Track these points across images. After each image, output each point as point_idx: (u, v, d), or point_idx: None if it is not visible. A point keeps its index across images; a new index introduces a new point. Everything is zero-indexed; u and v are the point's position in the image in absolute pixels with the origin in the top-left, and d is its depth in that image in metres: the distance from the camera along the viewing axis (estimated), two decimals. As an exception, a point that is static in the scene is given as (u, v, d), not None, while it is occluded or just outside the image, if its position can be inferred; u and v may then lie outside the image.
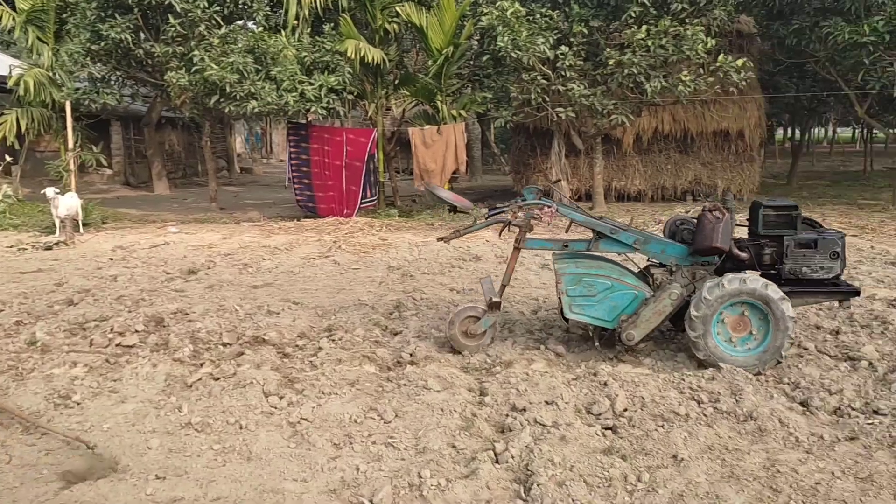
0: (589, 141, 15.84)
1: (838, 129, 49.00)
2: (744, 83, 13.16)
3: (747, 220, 5.80)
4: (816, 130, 56.10)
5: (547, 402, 4.66)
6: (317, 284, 8.83)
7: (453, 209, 6.10)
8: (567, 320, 5.69)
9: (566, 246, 5.89)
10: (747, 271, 5.46)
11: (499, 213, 5.86)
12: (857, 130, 41.76)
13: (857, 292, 5.66)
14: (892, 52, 13.87)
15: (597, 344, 5.88)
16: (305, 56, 13.55)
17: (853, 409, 4.60)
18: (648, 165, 17.87)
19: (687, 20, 13.20)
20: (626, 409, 4.63)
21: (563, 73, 13.50)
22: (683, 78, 12.75)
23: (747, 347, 5.33)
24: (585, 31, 13.61)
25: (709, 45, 12.57)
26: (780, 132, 35.23)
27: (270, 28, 13.96)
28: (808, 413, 4.59)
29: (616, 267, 5.77)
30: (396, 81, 15.81)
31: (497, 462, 3.98)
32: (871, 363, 5.41)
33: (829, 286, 5.59)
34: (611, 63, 13.05)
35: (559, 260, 5.82)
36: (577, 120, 14.67)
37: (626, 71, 12.89)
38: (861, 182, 23.54)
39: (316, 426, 4.43)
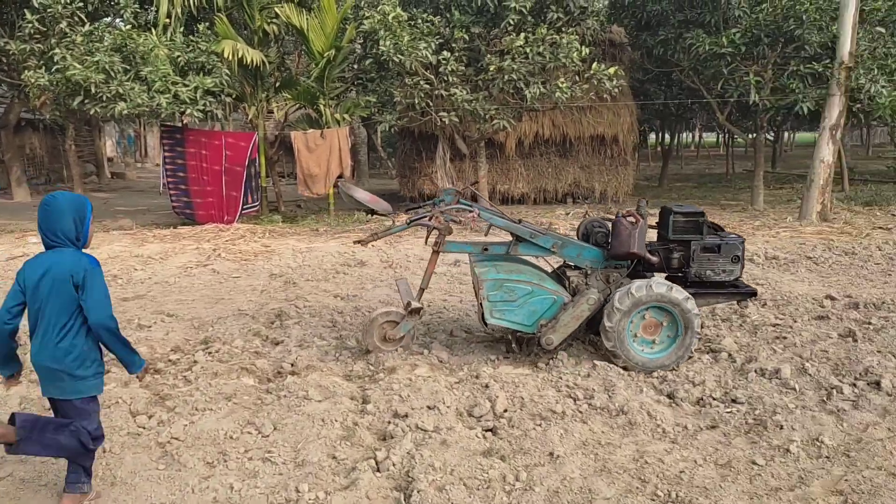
0: (473, 145, 16.09)
1: (704, 135, 52.40)
2: (616, 90, 13.81)
3: (656, 224, 5.95)
4: (685, 135, 59.76)
5: (429, 407, 4.67)
6: (193, 295, 8.46)
7: (371, 212, 6.01)
8: (486, 325, 5.61)
9: (486, 249, 5.86)
10: (655, 275, 5.70)
11: (420, 217, 5.71)
12: (720, 136, 44.73)
13: (754, 293, 5.96)
14: (749, 62, 14.97)
15: (514, 347, 5.95)
16: (179, 56, 12.99)
17: (714, 398, 4.89)
18: (531, 169, 18.37)
19: (562, 29, 13.68)
20: (506, 410, 4.72)
21: (445, 78, 13.65)
22: (560, 84, 13.19)
23: (661, 348, 5.51)
24: (466, 37, 13.84)
25: (583, 53, 13.07)
26: (651, 137, 37.20)
27: (140, 26, 13.28)
28: (674, 405, 4.84)
29: (535, 271, 5.81)
30: (278, 84, 15.45)
31: (378, 471, 3.94)
32: (730, 354, 5.78)
33: (730, 288, 5.87)
34: (492, 69, 13.32)
35: (479, 264, 5.76)
36: (460, 124, 14.86)
37: (506, 77, 13.20)
38: (724, 184, 25.22)
39: (188, 445, 4.23)
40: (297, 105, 15.84)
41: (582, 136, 18.08)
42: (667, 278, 5.78)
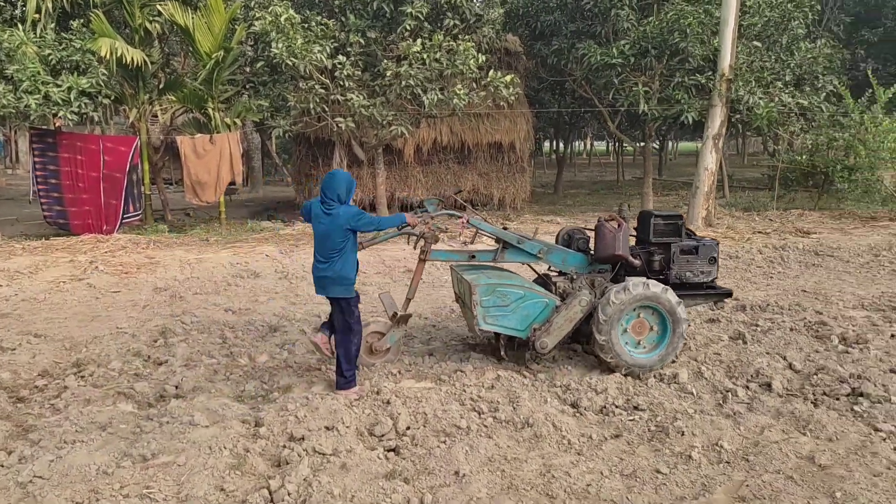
0: (370, 151, 15.82)
1: (595, 143, 54.34)
2: (512, 98, 13.90)
3: (635, 229, 6.00)
4: (577, 143, 61.78)
5: (327, 428, 4.40)
6: (66, 312, 7.76)
7: None
8: (480, 331, 5.46)
9: (473, 257, 5.87)
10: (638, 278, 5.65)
11: (408, 224, 5.51)
12: (609, 144, 46.48)
13: (730, 294, 6.10)
14: (637, 73, 15.49)
15: (503, 354, 5.80)
16: (50, 54, 12.02)
17: (617, 406, 4.87)
18: (430, 175, 18.29)
19: (459, 36, 13.67)
20: (408, 428, 4.51)
21: (341, 82, 13.32)
22: (458, 91, 13.16)
23: (649, 348, 5.51)
24: (362, 41, 13.57)
25: (480, 60, 13.09)
26: (546, 145, 38.16)
27: (5, 21, 12.20)
28: (578, 414, 4.78)
29: (521, 277, 5.81)
30: (162, 86, 14.61)
31: (272, 501, 3.63)
32: (630, 360, 5.82)
33: (706, 289, 5.97)
34: (388, 74, 13.11)
35: (466, 271, 5.73)
36: (357, 130, 14.56)
37: (403, 83, 13.02)
38: (615, 191, 26.11)
39: (53, 483, 3.76)
40: (184, 108, 15.03)
41: (480, 143, 18.18)
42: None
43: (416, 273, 5.76)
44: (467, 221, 5.61)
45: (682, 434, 4.34)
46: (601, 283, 5.63)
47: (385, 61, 13.35)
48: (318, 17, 13.38)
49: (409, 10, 13.10)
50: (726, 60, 13.72)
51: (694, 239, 5.96)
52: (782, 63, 15.26)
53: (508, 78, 13.52)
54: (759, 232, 13.75)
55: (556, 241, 6.10)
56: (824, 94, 15.95)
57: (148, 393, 5.22)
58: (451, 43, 13.09)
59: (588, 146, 54.24)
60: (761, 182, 25.62)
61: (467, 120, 17.50)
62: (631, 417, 4.67)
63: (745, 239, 12.91)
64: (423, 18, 13.34)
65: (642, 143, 20.38)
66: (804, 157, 17.07)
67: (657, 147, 34.56)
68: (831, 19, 24.14)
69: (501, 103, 14.44)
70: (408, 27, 13.26)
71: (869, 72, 18.99)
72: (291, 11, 12.56)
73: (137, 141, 13.65)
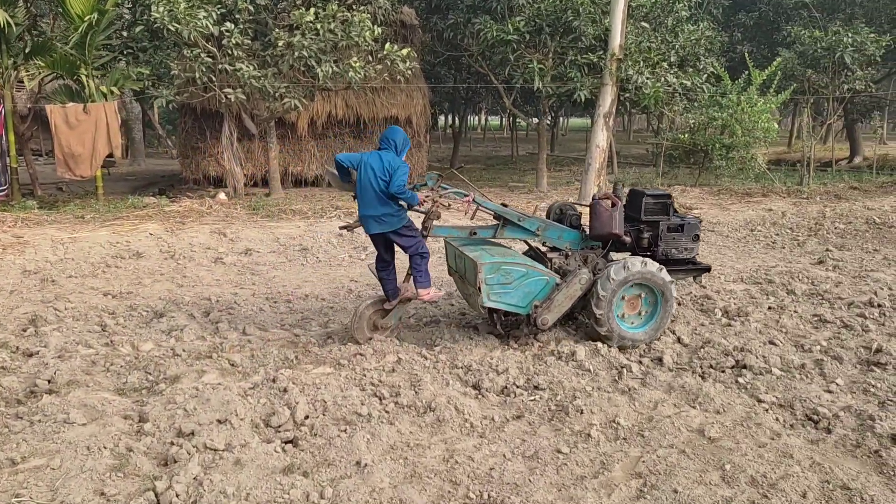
0: (262, 125, 15.20)
1: (489, 118, 54.87)
2: (409, 72, 13.68)
3: (625, 206, 6.08)
4: (473, 118, 62.20)
5: (219, 421, 4.16)
6: (-82, 300, 7.01)
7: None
8: (483, 308, 5.56)
9: (474, 233, 5.92)
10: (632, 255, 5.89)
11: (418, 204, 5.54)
12: (503, 119, 47.06)
13: (708, 269, 6.40)
14: (533, 50, 15.62)
15: (499, 329, 5.98)
16: None
17: (518, 386, 4.89)
18: (324, 150, 17.82)
19: (354, 7, 13.27)
20: (307, 417, 4.34)
21: (230, 51, 12.65)
22: (353, 64, 12.80)
23: (639, 322, 5.74)
24: (252, 8, 12.93)
25: (375, 32, 12.78)
26: (442, 119, 38.17)
27: None
28: (480, 396, 4.76)
29: (520, 254, 5.94)
30: (28, 49, 13.38)
31: (159, 505, 3.39)
32: (527, 340, 5.86)
33: (688, 265, 6.23)
34: (280, 44, 12.56)
35: (468, 248, 5.74)
36: (248, 102, 13.92)
37: (296, 53, 12.51)
38: (510, 166, 26.46)
39: None
40: (54, 74, 13.86)
41: (376, 118, 17.84)
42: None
43: None
44: (472, 199, 5.67)
45: (581, 412, 4.41)
46: (593, 259, 5.86)
47: (276, 30, 12.77)
48: (203, -20, 12.61)
49: (301, -23, 12.59)
50: (616, 40, 14.05)
51: (679, 217, 6.16)
52: (668, 44, 15.81)
53: (405, 52, 13.28)
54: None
55: (548, 216, 6.24)
56: (705, 75, 16.68)
57: (16, 388, 4.78)
58: (346, 13, 12.69)
59: (482, 121, 54.69)
60: (646, 159, 26.70)
61: (363, 93, 17.13)
62: (532, 397, 4.70)
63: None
64: (315, -14, 12.85)
65: (536, 120, 20.68)
66: (686, 135, 17.85)
67: (550, 124, 35.31)
68: (711, 2, 25.26)
69: (398, 77, 14.17)
70: (300, -5, 12.74)
71: (746, 54, 20.05)
72: (174, -27, 11.75)
73: (2, 109, 12.48)
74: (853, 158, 28.26)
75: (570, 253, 5.92)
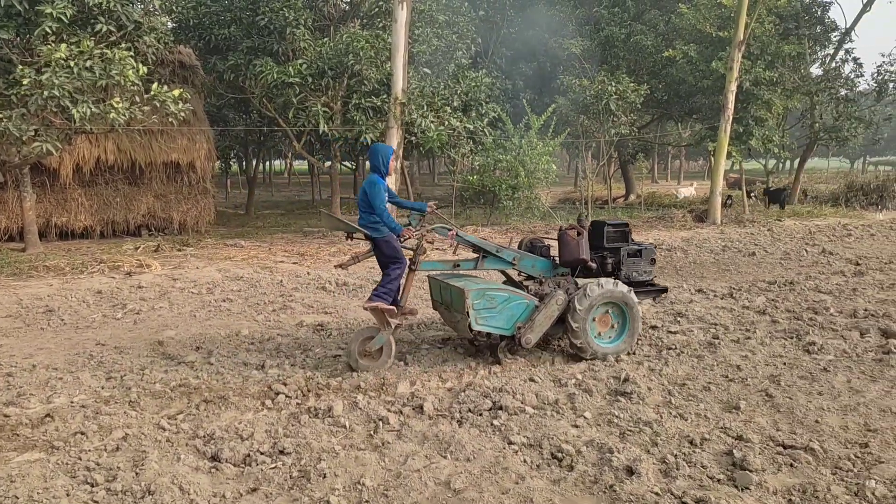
0: (13, 171, 13.52)
1: (297, 162, 54.03)
2: (183, 114, 12.86)
3: (588, 235, 6.60)
4: (277, 163, 60.93)
5: None
6: None
7: (349, 236, 6.27)
8: (471, 332, 5.98)
9: (457, 266, 6.46)
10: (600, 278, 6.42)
11: (406, 238, 6.09)
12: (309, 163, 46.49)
13: (665, 290, 7.04)
14: (318, 93, 15.42)
15: (500, 355, 6.26)
16: None
17: (262, 453, 4.42)
18: (94, 199, 16.25)
19: (117, 44, 12.29)
20: (-14, 522, 3.57)
21: (-36, 90, 11.13)
22: (116, 105, 11.77)
23: (610, 337, 6.36)
24: (-8, 42, 11.52)
25: (141, 71, 11.88)
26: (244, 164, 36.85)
27: None
28: (215, 469, 4.23)
29: (498, 283, 6.51)
30: None
31: None
32: (287, 396, 5.42)
33: (647, 286, 6.82)
34: (26, 83, 11.25)
35: (452, 279, 6.29)
36: (-7, 146, 12.32)
37: (46, 93, 11.26)
38: (310, 210, 25.95)
39: None
40: None
41: (154, 163, 16.64)
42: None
43: (407, 283, 6.22)
44: (455, 234, 6.17)
45: (324, 476, 4.04)
46: (565, 284, 6.42)
47: (21, 67, 11.44)
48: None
49: (49, 10, 11.41)
50: (399, 84, 14.25)
51: (636, 244, 6.80)
52: (450, 89, 16.35)
53: (177, 92, 12.47)
54: (438, 248, 14.48)
55: (520, 248, 6.74)
56: (487, 119, 17.45)
57: None
58: (105, 51, 11.68)
59: (287, 165, 53.79)
60: (447, 200, 27.49)
61: (138, 137, 15.91)
62: (274, 465, 4.25)
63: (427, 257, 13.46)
64: (66, 21, 11.71)
65: (329, 164, 20.46)
66: (475, 177, 18.51)
67: (351, 166, 35.36)
68: (495, 52, 26.80)
69: (171, 120, 13.26)
70: (48, 29, 11.53)
71: (525, 101, 21.34)
72: None
73: None
74: (628, 196, 31.08)
75: (543, 280, 6.47)
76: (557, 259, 6.56)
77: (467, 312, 5.80)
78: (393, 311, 6.05)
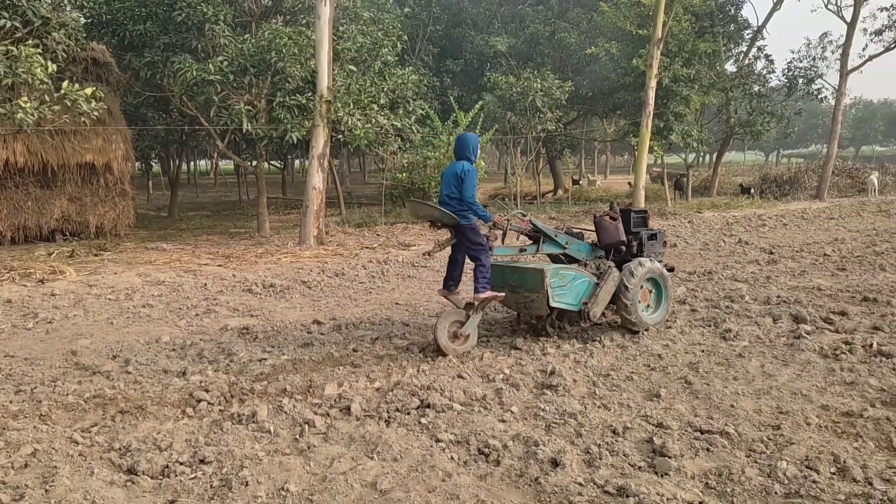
0: (-89, 176, 12.69)
1: (223, 161, 52.64)
2: (97, 113, 12.32)
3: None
4: (203, 163, 59.25)
5: None
6: None
7: (435, 224, 6.46)
8: (550, 309, 6.64)
9: (523, 250, 6.96)
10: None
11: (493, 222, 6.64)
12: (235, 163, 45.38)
13: (672, 269, 7.65)
14: (241, 91, 15.02)
15: (549, 330, 7.14)
16: None
17: (181, 463, 4.27)
18: (4, 203, 15.41)
19: (23, 40, 11.67)
20: None
21: None
22: (23, 104, 11.18)
23: (652, 311, 7.14)
24: None
25: (50, 69, 11.31)
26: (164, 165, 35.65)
27: None
28: (130, 483, 4.07)
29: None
30: None
31: None
32: (208, 403, 5.27)
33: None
34: (-78, 81, 10.58)
35: (522, 263, 6.97)
36: None
37: (-55, 92, 10.63)
38: (237, 211, 25.37)
39: None
40: None
41: (68, 164, 15.91)
42: (618, 261, 7.23)
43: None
44: (529, 220, 6.84)
45: (247, 484, 3.93)
46: (604, 264, 7.01)
47: (-85, 64, 10.74)
48: None
49: (-56, 4, 10.77)
50: (324, 82, 14.05)
51: (652, 229, 7.60)
52: (377, 87, 16.23)
53: (89, 91, 11.92)
54: (367, 247, 14.37)
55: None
56: (415, 116, 17.41)
57: None
58: (10, 48, 11.09)
59: (213, 166, 52.41)
60: (377, 198, 27.32)
61: (48, 138, 15.18)
62: (194, 475, 4.11)
63: (353, 255, 13.34)
64: (-34, 16, 11.07)
65: (254, 163, 20.01)
66: (404, 174, 18.46)
67: (279, 166, 34.72)
68: (422, 50, 26.78)
69: (83, 119, 12.69)
70: (-55, 25, 10.88)
71: (452, 98, 21.40)
72: None
73: None
74: (556, 191, 31.59)
75: (586, 262, 7.05)
76: (597, 242, 7.28)
77: (546, 291, 6.36)
78: (500, 296, 6.50)
